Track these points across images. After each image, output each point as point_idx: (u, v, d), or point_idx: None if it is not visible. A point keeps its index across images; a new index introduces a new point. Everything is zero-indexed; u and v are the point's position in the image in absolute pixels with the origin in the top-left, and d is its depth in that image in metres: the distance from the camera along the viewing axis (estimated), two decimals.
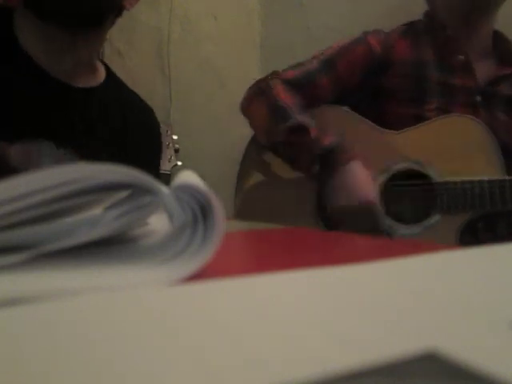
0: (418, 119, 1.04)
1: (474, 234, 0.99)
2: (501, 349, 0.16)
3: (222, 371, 0.14)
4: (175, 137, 1.47)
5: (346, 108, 1.10)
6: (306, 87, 1.07)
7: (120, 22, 1.36)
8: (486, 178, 0.95)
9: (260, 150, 1.14)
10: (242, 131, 1.70)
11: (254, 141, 1.17)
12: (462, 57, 1.07)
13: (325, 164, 0.98)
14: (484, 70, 1.08)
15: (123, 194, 0.28)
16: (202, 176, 0.32)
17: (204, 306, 0.21)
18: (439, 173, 0.99)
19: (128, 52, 1.55)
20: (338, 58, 1.09)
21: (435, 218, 0.99)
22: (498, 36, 1.12)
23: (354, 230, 0.96)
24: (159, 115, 1.59)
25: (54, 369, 0.14)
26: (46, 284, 0.23)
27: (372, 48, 1.08)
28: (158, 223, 0.32)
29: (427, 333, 0.18)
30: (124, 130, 0.94)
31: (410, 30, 1.12)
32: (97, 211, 0.29)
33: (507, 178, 0.95)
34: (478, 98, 1.06)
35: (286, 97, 1.05)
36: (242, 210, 1.17)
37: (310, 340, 0.17)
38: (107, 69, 0.98)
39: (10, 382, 0.13)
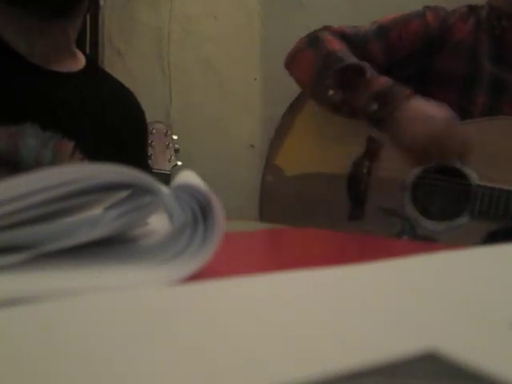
0: (462, 110, 0.98)
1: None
2: (501, 349, 0.16)
3: (222, 371, 0.14)
4: (175, 137, 1.47)
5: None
6: (356, 47, 1.04)
7: (120, 22, 1.36)
8: None
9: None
10: (242, 131, 1.71)
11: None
12: None
13: (383, 103, 0.95)
14: None
15: (123, 194, 0.28)
16: (202, 176, 0.32)
17: (204, 306, 0.21)
18: (479, 175, 0.95)
19: (128, 52, 1.55)
20: (392, 26, 1.06)
21: (463, 220, 0.95)
22: None
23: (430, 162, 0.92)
24: (159, 115, 1.59)
25: (54, 369, 0.14)
26: (46, 284, 0.23)
27: (428, 23, 1.04)
28: (158, 223, 0.32)
29: (427, 333, 0.17)
30: (102, 116, 0.94)
31: (472, 13, 1.06)
32: (97, 211, 0.28)
33: None
34: None
35: (337, 44, 1.02)
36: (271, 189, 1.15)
37: (309, 340, 0.17)
38: (88, 57, 0.99)
39: (10, 382, 0.13)
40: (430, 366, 0.15)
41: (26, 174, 0.26)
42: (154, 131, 1.45)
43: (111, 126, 0.95)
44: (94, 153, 0.88)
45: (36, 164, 0.81)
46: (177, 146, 1.45)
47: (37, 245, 0.26)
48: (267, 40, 1.80)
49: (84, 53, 1.00)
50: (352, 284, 0.25)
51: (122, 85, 1.04)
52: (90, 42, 1.48)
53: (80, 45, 1.45)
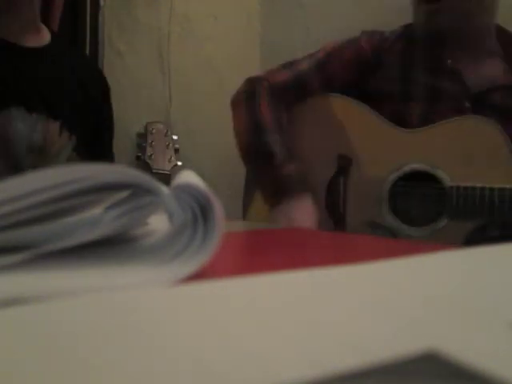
0: (399, 121, 1.04)
1: (481, 242, 0.97)
2: (501, 349, 0.16)
3: (221, 371, 0.14)
4: (175, 137, 1.47)
5: (358, 101, 1.08)
6: (296, 89, 1.11)
7: (120, 22, 1.35)
8: (497, 185, 0.92)
9: None
10: None
11: None
12: (449, 61, 1.06)
13: (282, 190, 1.00)
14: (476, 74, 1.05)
15: (123, 194, 0.28)
16: (202, 176, 0.32)
17: (204, 306, 0.21)
18: (451, 176, 0.97)
19: (128, 52, 1.55)
20: (328, 60, 1.11)
21: (443, 222, 0.97)
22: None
23: None
24: (159, 115, 1.59)
25: (53, 369, 0.14)
26: (46, 284, 0.23)
27: (362, 51, 1.10)
28: (158, 223, 0.32)
29: (427, 333, 0.17)
30: (80, 88, 0.95)
31: (406, 32, 1.12)
32: (97, 211, 0.28)
33: None
34: (467, 104, 1.04)
35: (266, 111, 1.08)
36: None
37: (310, 340, 0.17)
38: (51, 31, 0.99)
39: (9, 382, 0.13)
40: (430, 366, 0.15)
41: (28, 172, 0.26)
42: (154, 131, 1.45)
43: (90, 97, 0.96)
44: (79, 128, 0.88)
45: (27, 149, 0.81)
46: (177, 145, 1.45)
47: (37, 245, 0.26)
48: (267, 40, 1.80)
49: (48, 26, 1.00)
50: (352, 284, 0.25)
51: (85, 55, 1.03)
52: (90, 41, 1.48)
53: (80, 44, 1.45)
